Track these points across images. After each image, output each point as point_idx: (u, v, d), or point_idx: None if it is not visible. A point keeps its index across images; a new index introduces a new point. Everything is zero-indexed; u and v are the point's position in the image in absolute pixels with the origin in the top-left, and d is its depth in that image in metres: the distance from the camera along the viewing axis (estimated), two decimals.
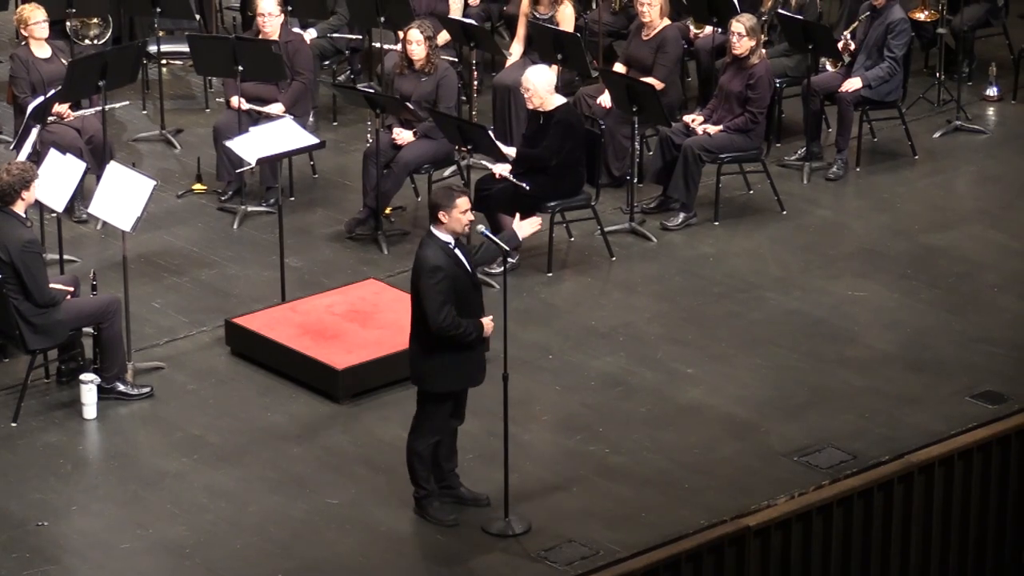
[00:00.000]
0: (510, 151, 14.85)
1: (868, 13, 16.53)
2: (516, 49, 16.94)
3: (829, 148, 16.57)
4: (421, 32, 15.65)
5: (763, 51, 16.05)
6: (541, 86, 14.86)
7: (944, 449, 12.87)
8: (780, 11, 16.89)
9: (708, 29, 17.04)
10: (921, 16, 17.58)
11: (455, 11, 17.09)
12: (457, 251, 11.96)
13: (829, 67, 16.83)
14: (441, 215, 11.90)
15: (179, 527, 12.31)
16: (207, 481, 12.78)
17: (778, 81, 16.54)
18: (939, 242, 15.54)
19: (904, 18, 16.53)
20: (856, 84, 16.37)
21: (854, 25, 16.69)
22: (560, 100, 15.00)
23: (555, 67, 15.72)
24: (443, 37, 16.47)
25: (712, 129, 15.80)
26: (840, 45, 16.64)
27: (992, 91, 17.71)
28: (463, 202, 11.96)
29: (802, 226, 15.82)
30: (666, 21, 16.35)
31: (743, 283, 14.99)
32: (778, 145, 16.79)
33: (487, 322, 12.05)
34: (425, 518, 12.31)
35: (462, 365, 12.08)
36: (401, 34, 15.99)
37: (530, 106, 14.96)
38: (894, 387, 13.71)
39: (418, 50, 15.63)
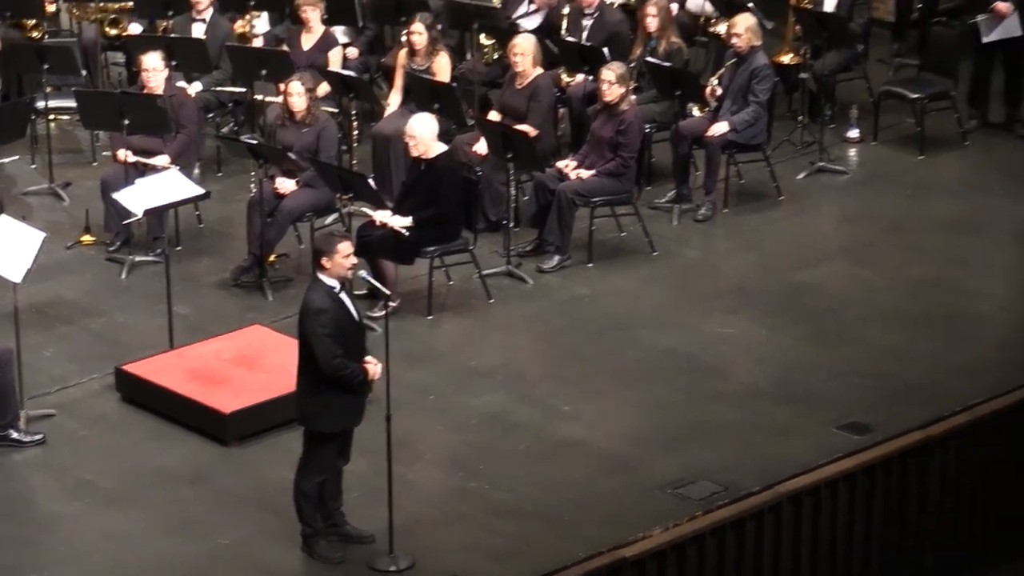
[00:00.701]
0: (405, 221, 14.85)
1: (733, 60, 16.67)
2: (394, 99, 17.01)
3: (698, 190, 16.71)
4: (302, 84, 15.71)
5: (632, 98, 16.17)
6: (426, 134, 14.94)
7: (812, 479, 12.97)
8: (648, 59, 17.00)
9: (579, 77, 17.15)
10: (785, 59, 17.73)
11: (334, 64, 17.15)
12: (342, 295, 12.05)
13: (696, 112, 16.96)
14: (324, 261, 11.99)
15: (73, 570, 12.30)
16: (100, 524, 12.75)
17: (647, 126, 16.66)
18: (805, 279, 15.69)
19: (767, 64, 16.69)
20: (723, 128, 16.50)
21: (720, 71, 16.81)
22: (442, 147, 15.09)
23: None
24: (323, 89, 16.54)
25: (585, 174, 15.89)
26: (707, 91, 16.77)
27: (853, 133, 17.87)
28: (345, 247, 12.06)
29: (673, 266, 15.94)
30: (538, 70, 16.45)
31: (617, 322, 15.09)
32: (648, 188, 16.91)
33: (371, 367, 12.11)
34: (312, 556, 12.34)
35: (346, 406, 12.13)
36: (282, 87, 16.03)
37: (414, 153, 15.00)
38: (764, 420, 13.84)
39: (299, 102, 15.69)
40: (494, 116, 16.50)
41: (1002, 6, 17.13)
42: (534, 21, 17.71)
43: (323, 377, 11.98)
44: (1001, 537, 13.92)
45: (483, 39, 17.66)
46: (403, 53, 17.00)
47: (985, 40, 17.40)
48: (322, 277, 12.06)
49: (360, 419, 12.26)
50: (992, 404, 13.78)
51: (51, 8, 18.49)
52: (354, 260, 12.22)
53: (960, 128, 17.78)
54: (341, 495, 12.45)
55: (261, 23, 17.94)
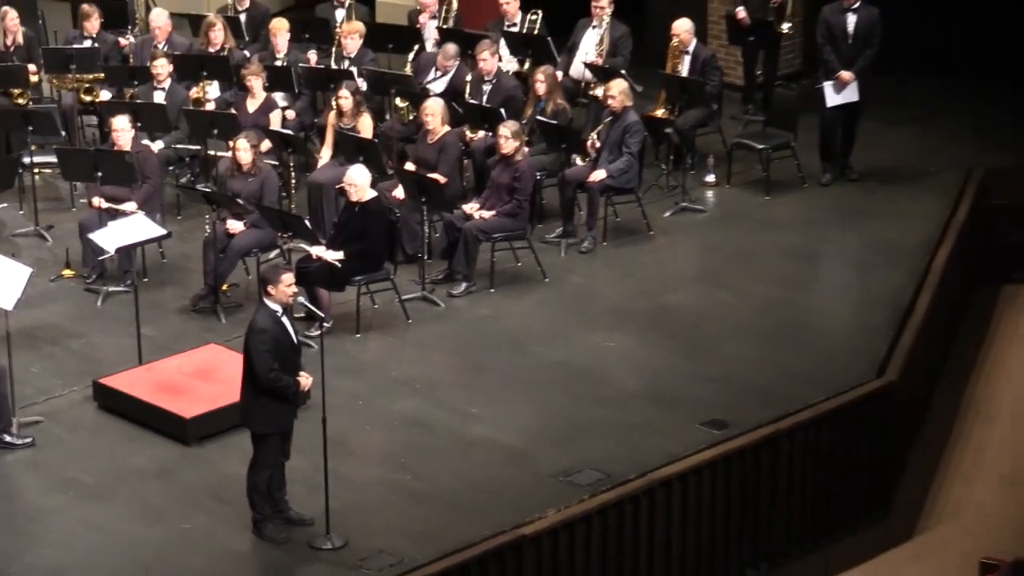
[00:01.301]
0: (338, 254, 14.81)
1: (609, 118, 16.70)
2: (326, 153, 16.97)
3: (581, 227, 16.71)
4: (248, 141, 15.69)
5: (525, 150, 16.19)
6: (363, 182, 15.01)
7: (680, 467, 12.99)
8: (538, 118, 17.03)
9: (480, 133, 17.16)
10: (659, 113, 17.76)
11: (275, 123, 17.11)
12: (283, 318, 12.05)
13: (579, 162, 16.98)
14: (270, 288, 12.01)
15: (58, 553, 12.22)
16: (81, 514, 12.68)
17: (538, 174, 16.65)
18: (671, 300, 15.72)
19: (638, 121, 16.72)
20: (601, 175, 16.52)
21: (598, 128, 16.84)
22: (373, 193, 15.10)
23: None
24: (265, 145, 16.47)
25: (486, 214, 15.90)
26: (587, 144, 16.80)
27: (710, 178, 17.91)
28: (288, 278, 12.09)
29: (561, 290, 15.93)
30: (446, 128, 16.45)
31: (515, 338, 15.09)
32: (540, 225, 16.90)
33: (303, 380, 12.17)
34: (261, 538, 12.30)
35: (279, 412, 12.16)
36: (231, 143, 15.99)
37: (353, 198, 14.99)
38: (639, 418, 13.86)
39: (245, 156, 15.66)
40: (410, 166, 16.48)
41: (845, 75, 17.18)
42: (441, 85, 17.71)
43: (261, 387, 11.98)
44: (834, 518, 13.98)
45: (399, 102, 17.65)
46: (333, 114, 16.96)
47: (829, 105, 17.44)
48: (267, 302, 12.07)
49: (291, 423, 12.25)
50: (829, 403, 13.82)
51: (34, 79, 18.36)
52: (295, 289, 12.22)
53: (799, 173, 17.84)
54: (285, 486, 12.43)
55: (212, 90, 17.87)
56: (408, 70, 18.19)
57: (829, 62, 17.39)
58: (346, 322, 15.12)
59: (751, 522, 13.45)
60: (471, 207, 16.04)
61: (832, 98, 17.31)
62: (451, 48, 17.93)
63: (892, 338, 14.82)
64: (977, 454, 14.97)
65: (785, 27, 18.91)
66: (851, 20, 17.31)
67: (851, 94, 17.30)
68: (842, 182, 17.83)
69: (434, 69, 17.90)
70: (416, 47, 18.49)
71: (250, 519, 12.36)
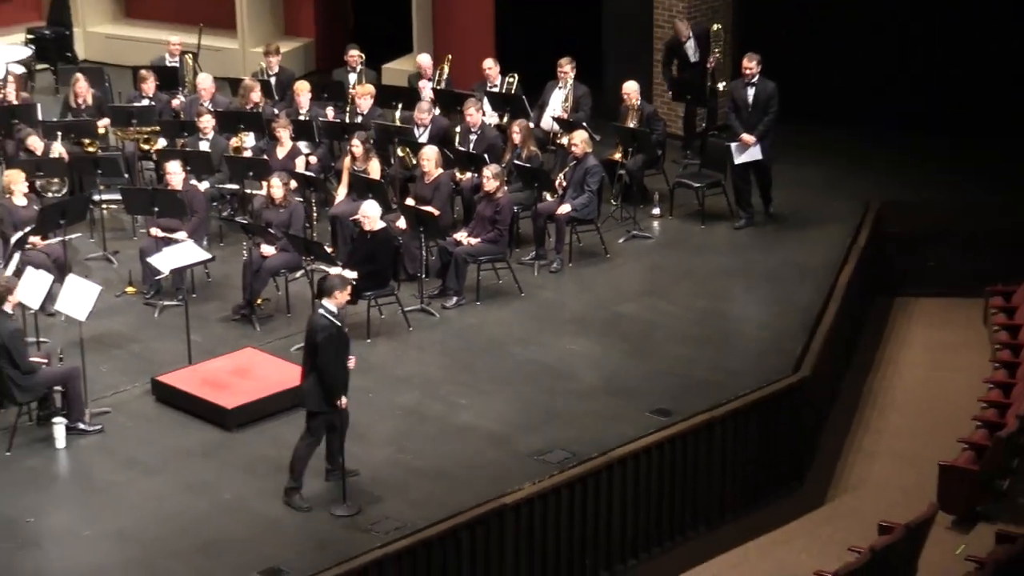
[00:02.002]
0: (352, 274, 14.72)
1: (573, 162, 16.66)
2: (342, 191, 16.90)
3: (550, 251, 16.65)
4: (279, 180, 15.69)
5: (505, 188, 16.17)
6: (374, 214, 14.99)
7: (633, 448, 12.99)
8: (515, 162, 16.99)
9: (468, 175, 17.12)
10: (616, 156, 17.71)
11: (299, 167, 17.05)
12: (337, 319, 12.17)
13: (549, 198, 16.93)
14: (336, 294, 12.23)
15: (122, 519, 12.21)
16: (140, 487, 12.65)
17: (516, 208, 16.62)
18: (625, 311, 15.68)
19: (597, 164, 16.69)
20: (566, 209, 16.49)
21: (564, 170, 16.81)
22: (382, 224, 15.07)
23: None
24: (292, 184, 16.40)
25: (473, 241, 15.86)
26: (556, 183, 16.78)
27: (656, 211, 17.86)
28: (348, 289, 12.35)
29: (535, 303, 15.88)
30: (440, 170, 16.41)
31: (497, 342, 15.03)
32: (517, 250, 16.84)
33: (351, 362, 12.40)
34: (289, 505, 12.24)
35: (320, 397, 12.26)
36: (265, 182, 15.95)
37: (366, 228, 14.97)
38: (599, 407, 13.82)
39: (278, 192, 15.64)
40: (410, 202, 16.43)
41: (746, 137, 16.97)
42: (425, 137, 17.61)
43: (321, 374, 12.14)
44: (759, 489, 13.96)
45: (400, 152, 17.60)
46: (348, 159, 16.93)
47: (736, 162, 17.28)
48: (327, 304, 12.23)
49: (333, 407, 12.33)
50: (754, 395, 13.83)
51: (102, 131, 18.31)
52: (349, 296, 12.43)
53: (728, 207, 17.80)
54: (343, 451, 12.45)
55: (249, 140, 17.82)
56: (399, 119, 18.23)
57: (734, 127, 17.23)
58: (358, 329, 15.06)
59: (691, 492, 13.43)
60: (461, 235, 16.00)
61: (738, 156, 17.14)
62: (424, 104, 17.92)
63: (805, 341, 14.81)
64: (876, 436, 14.96)
65: (721, 85, 18.81)
66: (751, 92, 17.05)
67: (755, 153, 17.02)
68: (764, 216, 17.76)
69: (416, 126, 17.84)
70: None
71: (284, 486, 12.34)
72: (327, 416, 12.29)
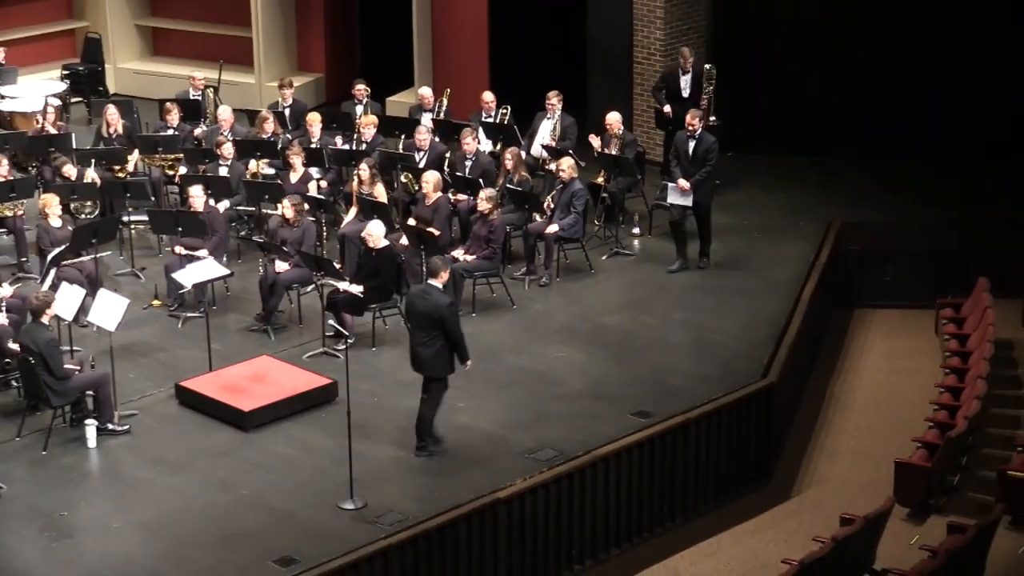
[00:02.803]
0: (359, 288, 14.69)
1: (560, 186, 16.64)
2: (351, 213, 16.85)
3: (540, 267, 16.61)
4: (292, 202, 15.65)
5: (499, 210, 16.12)
6: (379, 234, 14.94)
7: (616, 446, 12.96)
8: (508, 186, 16.96)
9: (464, 197, 17.06)
10: (600, 180, 17.65)
11: (311, 191, 17.00)
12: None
13: (538, 218, 16.89)
14: (441, 274, 12.84)
15: (149, 513, 12.15)
16: (166, 483, 12.59)
17: (508, 227, 16.59)
18: (608, 322, 15.64)
19: (582, 188, 16.65)
20: (554, 229, 16.45)
21: (552, 193, 16.78)
22: (386, 242, 15.03)
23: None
24: (305, 206, 16.34)
25: (469, 258, 15.82)
26: (544, 205, 16.74)
27: (636, 230, 17.82)
28: (448, 269, 13.09)
29: (525, 315, 15.83)
30: (439, 193, 16.38)
31: (491, 350, 14.96)
32: (509, 266, 16.80)
33: None
34: (428, 454, 12.90)
35: (449, 361, 12.85)
36: (280, 204, 15.90)
37: (370, 245, 14.92)
38: (585, 410, 13.78)
39: (289, 212, 15.61)
40: (412, 222, 16.38)
41: (682, 183, 16.52)
42: (423, 162, 17.55)
43: (455, 341, 12.70)
44: (730, 484, 13.91)
45: (403, 179, 17.54)
46: (356, 183, 16.89)
47: (669, 201, 16.83)
48: (435, 283, 12.79)
49: (453, 369, 12.90)
50: (726, 398, 13.80)
51: (131, 158, 18.27)
52: (448, 274, 13.02)
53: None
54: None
55: (268, 169, 17.78)
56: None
57: (674, 173, 16.74)
58: (365, 338, 15.02)
59: (669, 487, 13.39)
60: (458, 252, 15.96)
61: (672, 197, 16.65)
62: (422, 128, 17.91)
63: (772, 349, 14.78)
64: (837, 436, 14.91)
65: (712, 119, 18.36)
66: (691, 144, 16.59)
67: (687, 200, 16.51)
68: (729, 234, 17.64)
69: (416, 150, 17.80)
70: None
71: (415, 447, 12.94)
72: (445, 380, 12.81)
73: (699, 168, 16.52)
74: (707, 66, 18.63)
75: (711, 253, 16.89)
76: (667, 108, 18.68)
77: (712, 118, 18.36)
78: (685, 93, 18.64)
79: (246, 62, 22.50)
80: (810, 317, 15.76)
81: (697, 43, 19.95)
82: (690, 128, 16.58)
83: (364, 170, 16.67)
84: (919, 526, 12.87)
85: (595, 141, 17.88)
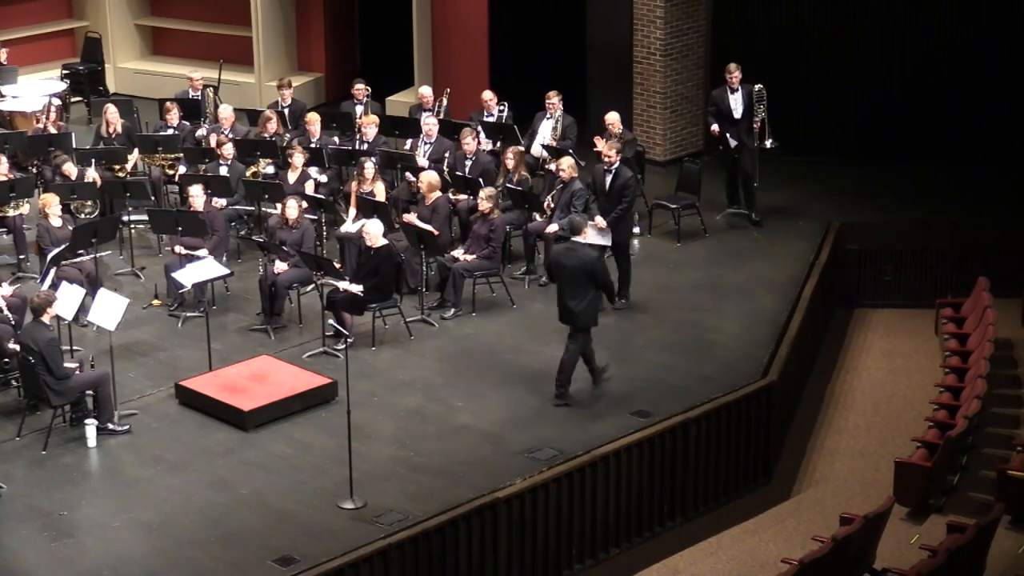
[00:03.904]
0: (359, 288, 14.69)
1: (560, 185, 16.60)
2: (352, 212, 16.83)
3: (540, 267, 16.61)
4: (295, 202, 15.70)
5: (499, 209, 16.12)
6: (377, 233, 14.95)
7: (616, 446, 12.96)
8: (508, 185, 16.95)
9: (463, 197, 17.06)
10: None
11: (310, 190, 16.99)
12: None
13: (538, 218, 16.88)
14: (585, 230, 13.81)
15: (149, 512, 12.13)
16: (166, 482, 12.58)
17: (508, 227, 16.59)
18: (607, 321, 15.50)
19: (582, 187, 16.60)
20: (554, 228, 16.40)
21: (552, 192, 16.77)
22: (384, 241, 15.01)
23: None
24: (304, 205, 16.34)
25: (469, 257, 15.81)
26: (544, 205, 16.72)
27: (636, 229, 17.78)
28: (588, 226, 14.01)
29: (525, 314, 15.83)
30: (438, 193, 16.37)
31: (492, 349, 14.98)
32: (509, 265, 16.80)
33: None
34: (565, 402, 13.67)
35: (597, 313, 13.75)
36: (280, 205, 15.88)
37: (369, 244, 14.91)
38: (584, 408, 13.77)
39: (293, 212, 15.62)
40: (412, 217, 16.32)
41: (599, 221, 15.48)
42: (426, 151, 17.55)
43: (606, 290, 13.76)
44: (730, 483, 13.90)
45: (409, 176, 17.53)
46: (355, 184, 16.89)
47: (589, 241, 14.81)
48: (579, 239, 13.66)
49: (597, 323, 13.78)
50: (725, 398, 13.79)
51: (131, 158, 18.26)
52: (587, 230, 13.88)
53: (702, 226, 17.77)
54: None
55: (269, 168, 17.77)
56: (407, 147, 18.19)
57: (592, 210, 15.96)
58: (364, 338, 15.02)
59: (669, 487, 13.38)
60: (458, 252, 15.96)
61: (591, 237, 15.04)
62: (431, 120, 17.96)
63: (772, 349, 14.78)
64: (837, 435, 14.91)
65: (768, 143, 17.64)
66: (608, 179, 15.72)
67: (606, 239, 15.52)
68: (732, 232, 17.67)
69: (423, 139, 17.80)
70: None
71: (555, 387, 13.73)
72: (590, 330, 13.61)
73: (616, 204, 15.49)
74: (756, 87, 17.74)
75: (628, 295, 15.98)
76: (714, 127, 17.95)
77: (769, 141, 17.65)
78: (737, 113, 17.77)
79: (246, 62, 22.50)
80: (810, 317, 15.75)
81: (697, 43, 19.95)
82: (606, 161, 15.60)
83: (370, 168, 16.69)
84: (919, 525, 12.85)
85: (600, 143, 17.85)
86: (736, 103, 17.78)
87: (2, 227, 16.98)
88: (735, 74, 17.78)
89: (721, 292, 16.29)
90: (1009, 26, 19.31)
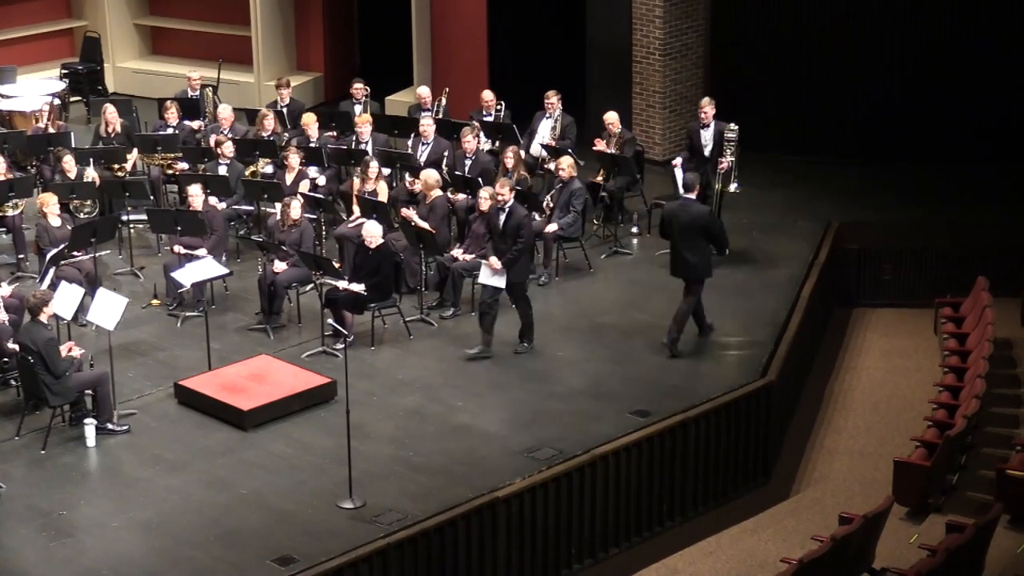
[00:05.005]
0: (359, 287, 14.69)
1: (560, 185, 16.62)
2: (355, 211, 16.80)
3: (539, 266, 16.60)
4: (297, 202, 15.71)
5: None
6: (377, 233, 14.93)
7: (615, 445, 12.96)
8: None
9: (461, 196, 17.07)
10: (598, 179, 17.65)
11: (303, 190, 16.96)
12: None
13: (537, 217, 16.87)
14: (696, 188, 14.60)
15: (148, 511, 12.13)
16: (165, 482, 12.57)
17: None
18: (607, 320, 15.63)
19: (581, 187, 16.64)
20: (554, 228, 16.43)
21: (552, 192, 16.78)
22: (382, 240, 14.99)
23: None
24: (304, 205, 16.34)
25: (468, 257, 15.79)
26: (544, 204, 16.72)
27: (635, 229, 17.84)
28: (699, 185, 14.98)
29: None
30: (437, 192, 16.36)
31: (491, 348, 14.94)
32: None
33: None
34: (673, 352, 14.51)
35: (709, 263, 14.68)
36: (284, 203, 15.86)
37: (368, 244, 14.89)
38: (584, 409, 13.77)
39: (295, 213, 15.62)
40: (411, 214, 16.30)
41: (492, 263, 14.61)
42: (425, 153, 17.57)
43: (718, 242, 14.55)
44: (729, 483, 13.90)
45: (409, 176, 17.53)
46: (357, 181, 16.90)
47: (480, 280, 14.88)
48: (691, 196, 14.50)
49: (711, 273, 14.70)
50: (724, 397, 13.80)
51: (130, 157, 18.26)
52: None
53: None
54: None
55: (268, 168, 17.77)
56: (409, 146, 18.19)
57: (486, 249, 15.16)
58: (364, 337, 15.01)
59: (668, 486, 13.38)
60: (457, 252, 15.94)
61: (484, 277, 14.83)
62: (427, 120, 17.94)
63: (771, 348, 14.78)
64: (836, 435, 14.91)
65: (732, 187, 16.87)
66: (501, 218, 14.93)
67: (500, 280, 14.68)
68: (743, 229, 17.59)
69: (420, 141, 17.82)
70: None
71: (667, 337, 14.37)
72: (703, 284, 14.42)
73: (511, 244, 14.63)
74: (730, 126, 16.90)
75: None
76: (676, 160, 17.33)
77: (734, 185, 16.91)
78: (706, 151, 17.02)
79: (245, 61, 22.50)
80: (809, 316, 15.75)
81: (696, 42, 19.95)
82: (500, 198, 14.85)
83: (373, 168, 16.70)
84: (918, 525, 12.85)
85: (601, 144, 17.85)
86: (707, 139, 17.03)
87: (1, 227, 16.99)
88: (706, 109, 17.05)
89: (720, 291, 16.26)
90: (1009, 26, 19.30)
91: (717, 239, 14.64)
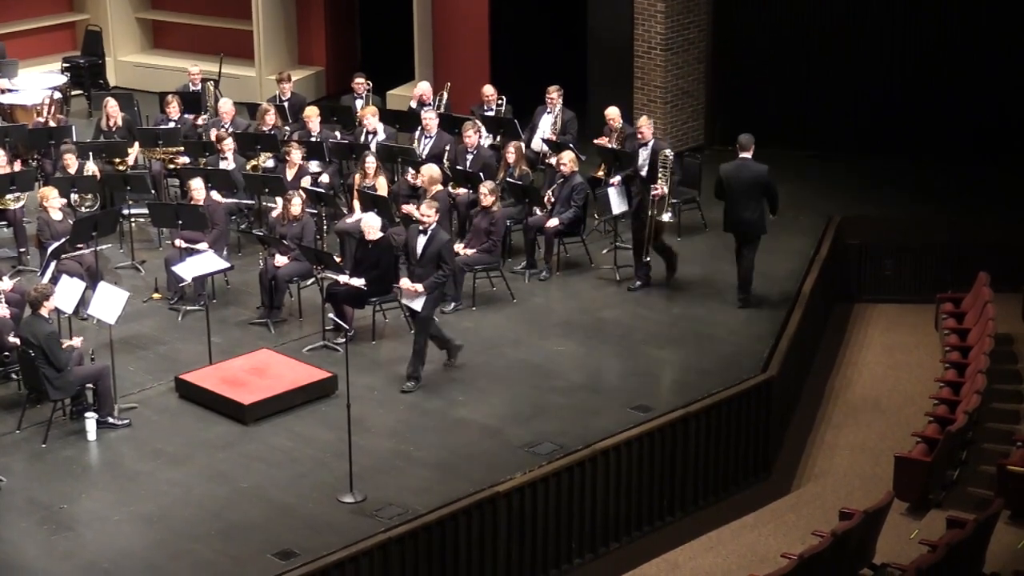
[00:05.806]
0: (359, 281, 14.67)
1: (561, 180, 16.61)
2: (357, 207, 16.78)
3: (540, 261, 16.59)
4: (299, 197, 15.70)
5: (499, 203, 16.10)
6: (376, 226, 14.88)
7: (615, 440, 12.95)
8: (508, 180, 16.95)
9: (462, 190, 17.05)
10: (600, 173, 17.62)
11: (304, 184, 16.94)
12: None
13: (538, 212, 16.86)
14: (751, 148, 15.17)
15: (149, 505, 12.13)
16: (166, 476, 12.57)
17: (508, 221, 16.58)
18: (607, 315, 15.62)
19: (582, 182, 16.62)
20: (554, 223, 16.41)
21: (553, 187, 16.76)
22: (381, 234, 14.97)
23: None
24: (306, 200, 16.33)
25: (469, 252, 15.78)
26: (544, 199, 16.71)
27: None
28: (754, 145, 15.35)
29: (525, 308, 15.80)
30: (438, 186, 16.33)
31: (491, 343, 14.95)
32: (510, 260, 16.79)
33: None
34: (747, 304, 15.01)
35: (765, 221, 15.47)
36: (286, 198, 15.84)
37: (368, 237, 14.85)
38: (584, 403, 13.76)
39: (296, 208, 15.63)
40: (411, 208, 16.28)
41: (405, 285, 13.93)
42: (427, 147, 17.54)
43: (774, 202, 15.23)
44: (730, 478, 13.90)
45: (412, 170, 17.50)
46: (359, 176, 16.89)
47: (403, 301, 14.26)
48: (747, 155, 15.10)
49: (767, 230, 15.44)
50: (725, 392, 13.78)
51: (131, 151, 18.24)
52: None
53: (702, 220, 17.73)
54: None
55: (269, 162, 17.75)
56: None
57: (401, 272, 14.54)
58: (364, 332, 15.00)
59: (668, 481, 13.37)
60: (458, 246, 15.91)
61: (405, 298, 14.17)
62: (430, 114, 17.93)
63: (772, 344, 14.76)
64: (837, 430, 14.91)
65: (666, 217, 15.80)
66: (421, 241, 13.93)
67: (417, 305, 13.97)
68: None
69: (423, 135, 17.78)
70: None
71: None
72: (759, 241, 15.29)
73: (429, 270, 13.89)
74: (666, 151, 15.95)
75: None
76: (616, 178, 16.72)
77: (667, 215, 15.80)
78: (644, 170, 16.16)
79: (246, 55, 22.49)
80: (810, 312, 15.74)
81: (698, 37, 19.93)
82: (424, 221, 14.03)
83: (369, 163, 16.67)
84: (918, 520, 12.85)
85: (603, 142, 17.83)
86: (643, 159, 16.42)
87: (2, 220, 16.98)
88: (643, 128, 16.73)
89: (721, 286, 16.26)
90: (1009, 26, 19.27)
91: (774, 197, 15.37)
